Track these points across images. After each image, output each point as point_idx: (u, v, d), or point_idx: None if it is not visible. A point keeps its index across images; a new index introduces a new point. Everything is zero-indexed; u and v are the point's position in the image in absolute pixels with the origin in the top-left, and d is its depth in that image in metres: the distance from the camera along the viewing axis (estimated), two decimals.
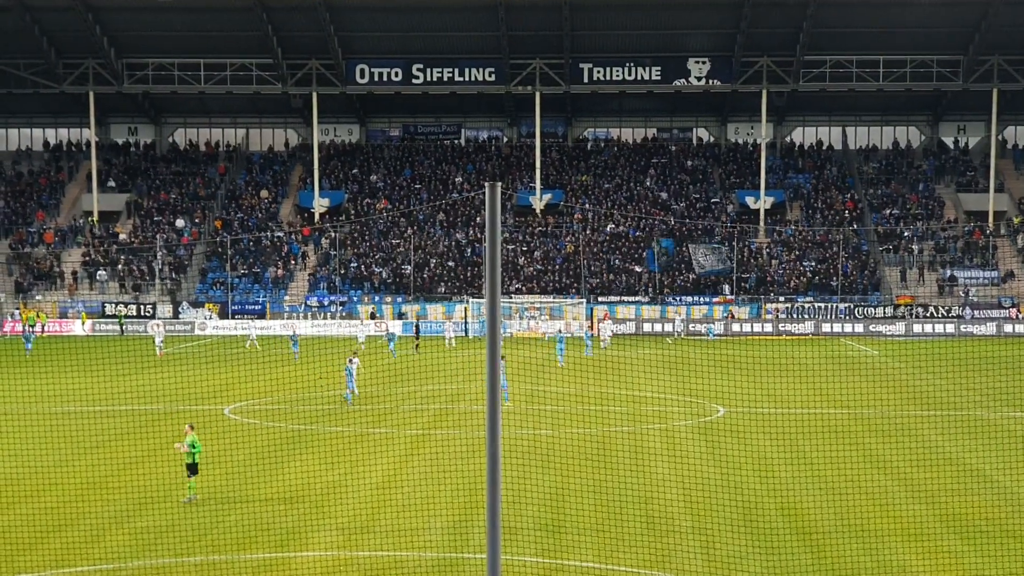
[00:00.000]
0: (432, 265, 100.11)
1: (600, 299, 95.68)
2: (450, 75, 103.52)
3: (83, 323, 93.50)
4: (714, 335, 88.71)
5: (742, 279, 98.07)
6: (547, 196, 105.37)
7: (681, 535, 27.14)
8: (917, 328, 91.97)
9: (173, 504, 30.27)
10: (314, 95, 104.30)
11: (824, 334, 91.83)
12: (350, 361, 49.94)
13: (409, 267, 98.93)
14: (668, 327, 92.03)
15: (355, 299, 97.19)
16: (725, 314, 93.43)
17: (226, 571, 24.53)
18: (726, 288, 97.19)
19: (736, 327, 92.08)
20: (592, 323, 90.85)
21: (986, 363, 59.86)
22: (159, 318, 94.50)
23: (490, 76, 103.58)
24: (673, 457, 35.82)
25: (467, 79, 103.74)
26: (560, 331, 76.48)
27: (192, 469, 30.41)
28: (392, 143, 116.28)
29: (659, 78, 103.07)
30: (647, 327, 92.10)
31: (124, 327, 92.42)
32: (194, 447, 30.40)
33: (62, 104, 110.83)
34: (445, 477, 32.21)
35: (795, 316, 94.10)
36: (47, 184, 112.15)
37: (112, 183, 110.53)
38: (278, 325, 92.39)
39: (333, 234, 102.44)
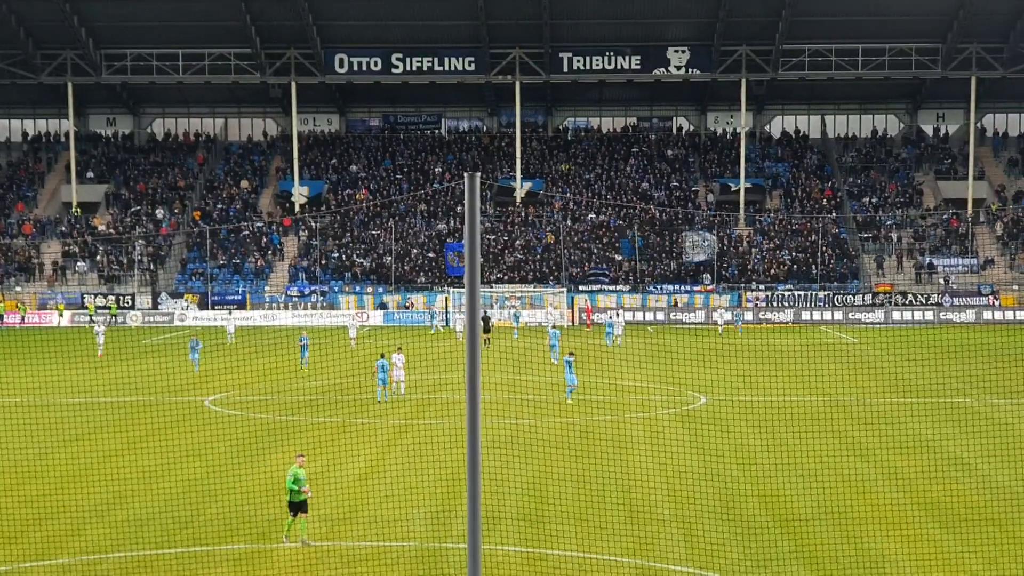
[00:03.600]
0: (413, 255, 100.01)
1: (581, 288, 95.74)
2: (430, 64, 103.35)
3: (60, 314, 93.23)
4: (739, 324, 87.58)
5: (723, 268, 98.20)
6: (527, 185, 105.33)
7: (662, 523, 27.21)
8: (896, 316, 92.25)
9: (153, 496, 30.20)
10: (293, 85, 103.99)
11: (804, 322, 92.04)
12: (397, 354, 49.27)
13: (390, 257, 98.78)
14: (649, 316, 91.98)
15: (336, 289, 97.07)
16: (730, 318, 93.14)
17: (207, 563, 24.51)
18: (707, 277, 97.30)
19: (715, 316, 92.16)
20: (574, 312, 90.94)
21: (965, 350, 60.08)
22: (139, 308, 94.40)
23: (470, 65, 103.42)
24: (654, 446, 35.88)
25: (447, 68, 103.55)
26: (553, 326, 75.50)
27: (298, 507, 25.86)
28: (372, 133, 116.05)
29: (639, 67, 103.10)
30: (628, 316, 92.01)
31: (116, 318, 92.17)
32: (297, 482, 25.91)
33: (40, 95, 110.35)
34: (427, 467, 32.21)
35: (775, 304, 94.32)
36: (26, 175, 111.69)
37: (91, 174, 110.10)
38: (259, 316, 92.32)
39: (313, 224, 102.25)
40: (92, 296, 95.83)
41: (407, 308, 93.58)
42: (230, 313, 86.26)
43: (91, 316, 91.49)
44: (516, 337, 77.39)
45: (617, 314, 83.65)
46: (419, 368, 56.15)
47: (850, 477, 31.96)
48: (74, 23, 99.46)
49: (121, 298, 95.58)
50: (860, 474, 32.70)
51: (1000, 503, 29.28)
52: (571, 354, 48.07)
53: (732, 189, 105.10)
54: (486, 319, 73.36)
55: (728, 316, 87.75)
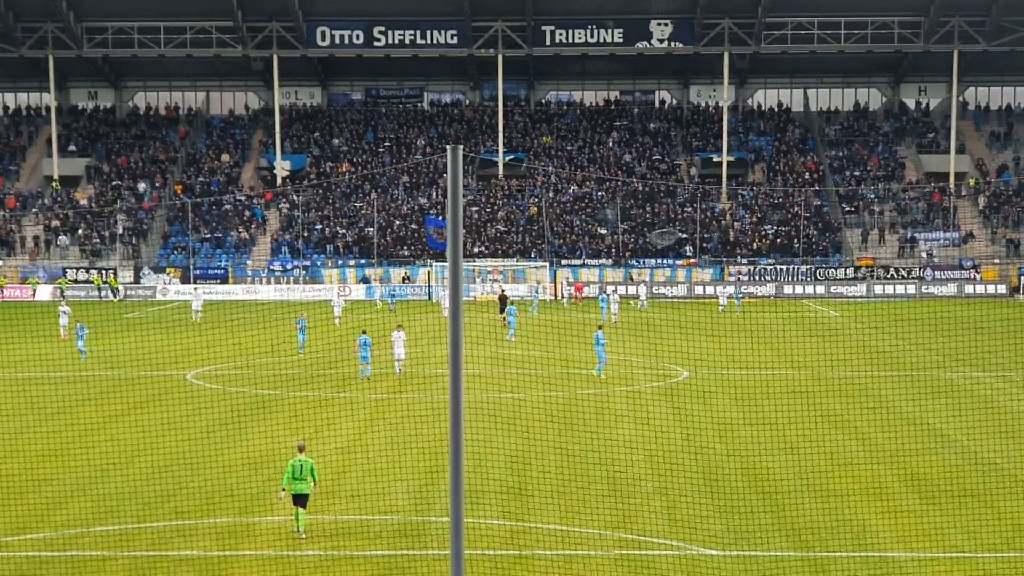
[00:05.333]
0: (395, 228, 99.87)
1: (563, 261, 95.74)
2: (412, 37, 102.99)
3: (34, 289, 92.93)
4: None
5: (704, 241, 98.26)
6: (509, 159, 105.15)
7: (644, 497, 27.31)
8: (878, 290, 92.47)
9: (135, 469, 30.18)
10: (275, 58, 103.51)
11: (786, 296, 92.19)
12: (397, 331, 49.03)
13: (372, 231, 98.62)
14: (632, 290, 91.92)
15: (318, 263, 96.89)
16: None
17: (190, 536, 24.54)
18: (688, 250, 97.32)
19: (699, 290, 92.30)
20: (556, 286, 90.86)
21: (946, 324, 60.29)
22: (121, 283, 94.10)
23: (452, 39, 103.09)
24: (637, 420, 36.00)
25: (429, 41, 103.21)
26: (511, 302, 72.81)
27: (299, 500, 24.60)
28: (354, 106, 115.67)
29: (621, 40, 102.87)
30: (610, 290, 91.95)
31: (117, 291, 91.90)
32: (293, 472, 24.56)
33: (21, 68, 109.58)
34: (410, 441, 32.24)
35: (757, 278, 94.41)
36: (7, 149, 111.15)
37: (72, 147, 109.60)
38: (241, 290, 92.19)
39: (296, 198, 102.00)
40: (74, 270, 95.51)
41: (403, 282, 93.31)
42: (195, 289, 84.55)
43: (33, 289, 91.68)
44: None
45: (605, 290, 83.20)
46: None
47: (831, 450, 32.09)
48: None
49: (103, 272, 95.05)
50: (841, 447, 32.85)
51: (980, 475, 29.47)
52: (600, 328, 47.70)
53: (714, 161, 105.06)
54: (504, 298, 70.59)
55: (730, 291, 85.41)
